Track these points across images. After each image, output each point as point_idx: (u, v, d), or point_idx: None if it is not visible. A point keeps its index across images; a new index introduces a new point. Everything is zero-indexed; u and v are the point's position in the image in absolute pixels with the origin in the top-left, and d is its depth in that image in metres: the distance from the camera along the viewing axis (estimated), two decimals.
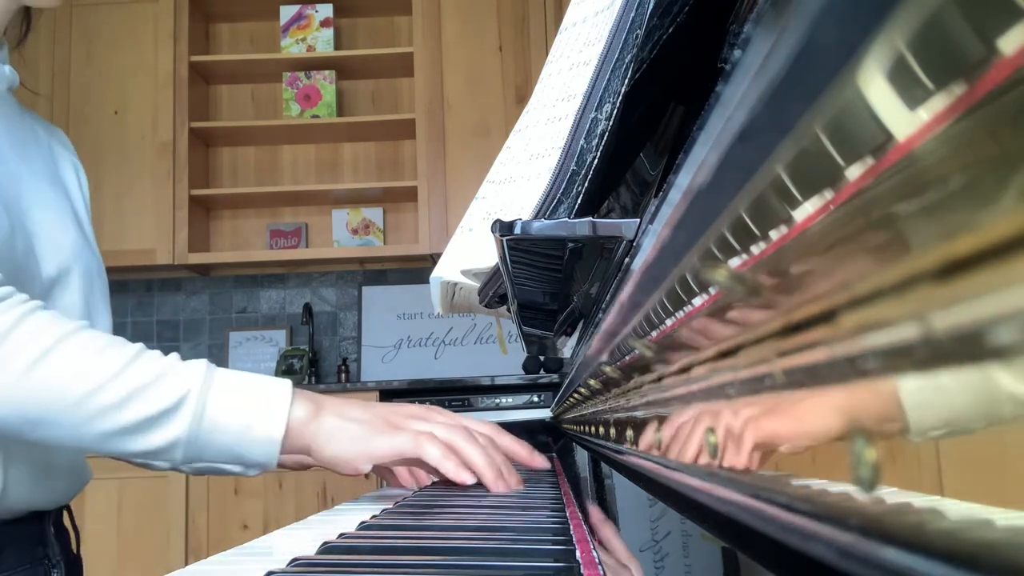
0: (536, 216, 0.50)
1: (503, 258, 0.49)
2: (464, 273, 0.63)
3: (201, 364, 0.74)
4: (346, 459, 0.76)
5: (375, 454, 0.76)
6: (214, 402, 0.73)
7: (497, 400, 2.77)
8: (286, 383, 0.77)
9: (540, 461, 0.88)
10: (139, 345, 0.74)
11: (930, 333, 0.11)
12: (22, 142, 0.91)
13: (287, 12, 3.22)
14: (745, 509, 0.20)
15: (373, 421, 0.78)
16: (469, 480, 0.76)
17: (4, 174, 0.84)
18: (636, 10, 0.47)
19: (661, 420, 0.32)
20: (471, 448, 0.78)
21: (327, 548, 0.50)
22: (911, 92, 0.10)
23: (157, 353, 0.74)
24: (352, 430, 0.76)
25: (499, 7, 3.12)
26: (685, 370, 0.26)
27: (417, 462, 0.78)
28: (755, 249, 0.17)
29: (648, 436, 0.35)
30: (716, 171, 0.18)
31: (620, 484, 0.49)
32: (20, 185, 0.86)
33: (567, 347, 0.83)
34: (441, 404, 2.76)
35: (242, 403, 0.74)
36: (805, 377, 0.16)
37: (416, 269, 3.25)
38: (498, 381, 2.78)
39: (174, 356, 0.75)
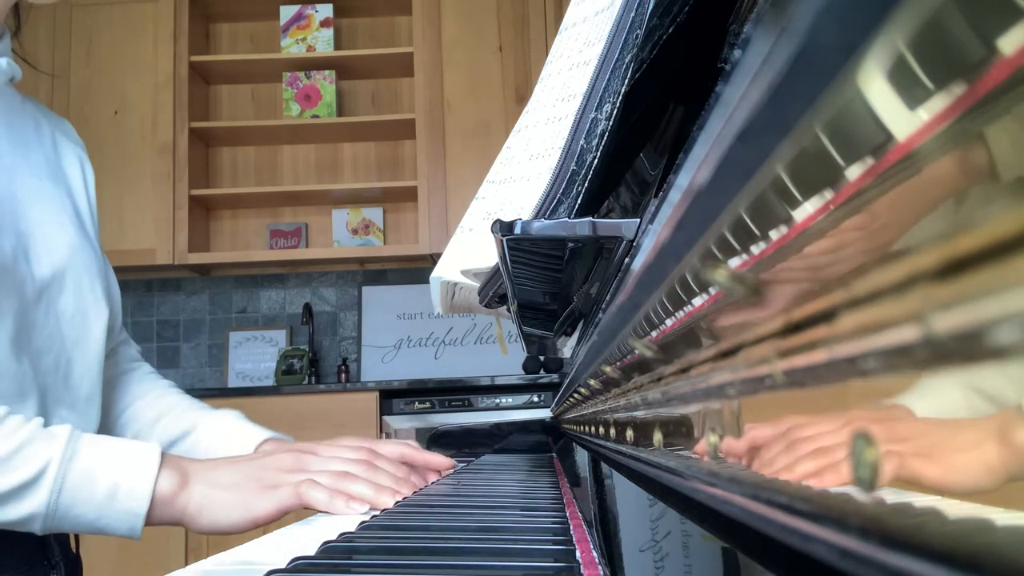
0: (536, 216, 0.50)
1: (503, 258, 0.49)
2: (464, 273, 0.63)
3: (64, 433, 0.71)
4: (224, 528, 0.74)
5: (257, 517, 0.74)
6: (75, 475, 0.70)
7: (497, 400, 2.77)
8: (154, 452, 0.74)
9: (438, 461, 0.93)
10: (2, 410, 0.70)
11: (931, 333, 0.11)
12: (22, 136, 0.89)
13: (287, 12, 3.22)
14: (745, 510, 0.20)
15: (246, 483, 0.75)
16: (359, 510, 0.73)
17: None
18: (636, 10, 0.47)
19: (662, 420, 0.32)
20: (354, 470, 0.77)
21: (327, 548, 0.49)
22: (911, 92, 0.10)
23: (19, 419, 0.71)
24: (226, 498, 0.74)
25: (499, 7, 3.12)
26: (685, 370, 0.26)
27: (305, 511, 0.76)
28: (755, 249, 0.17)
29: (649, 436, 0.35)
30: (716, 171, 0.18)
31: (620, 484, 0.49)
32: (15, 182, 0.84)
33: (567, 347, 0.83)
34: (441, 404, 2.77)
35: (105, 476, 0.71)
36: (805, 377, 0.16)
37: (416, 269, 3.25)
38: (498, 381, 2.78)
39: (36, 423, 0.71)
